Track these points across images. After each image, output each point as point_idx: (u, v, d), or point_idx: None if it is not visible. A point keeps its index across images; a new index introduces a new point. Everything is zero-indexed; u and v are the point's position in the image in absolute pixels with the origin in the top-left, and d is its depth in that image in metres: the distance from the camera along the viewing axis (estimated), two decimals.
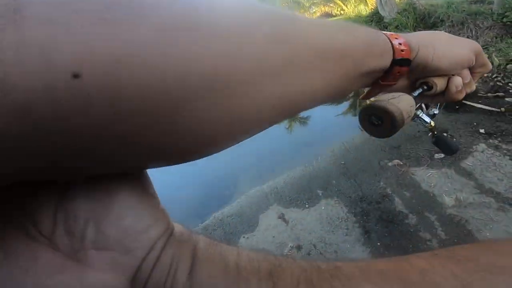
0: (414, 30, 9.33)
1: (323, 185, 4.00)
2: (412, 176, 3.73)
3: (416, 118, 0.76)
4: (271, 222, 3.58)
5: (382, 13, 11.49)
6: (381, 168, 4.04)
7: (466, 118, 4.74)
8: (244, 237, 3.47)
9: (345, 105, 7.30)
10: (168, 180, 5.69)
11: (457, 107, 5.27)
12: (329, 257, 2.95)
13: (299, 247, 3.15)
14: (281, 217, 3.62)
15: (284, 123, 7.37)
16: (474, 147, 3.93)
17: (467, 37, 7.05)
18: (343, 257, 2.93)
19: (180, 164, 0.37)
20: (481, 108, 4.95)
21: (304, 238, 3.24)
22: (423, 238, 2.83)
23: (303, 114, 7.57)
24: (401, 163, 4.02)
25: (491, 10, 7.53)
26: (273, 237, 3.35)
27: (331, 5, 21.19)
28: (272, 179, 4.45)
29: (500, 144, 3.86)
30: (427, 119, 0.82)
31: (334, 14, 21.90)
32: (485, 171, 3.44)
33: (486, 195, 3.10)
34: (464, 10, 8.15)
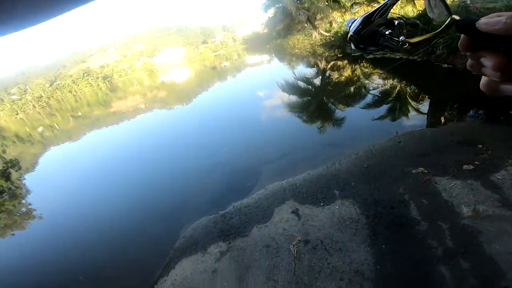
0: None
1: (342, 186, 3.90)
2: (435, 184, 3.47)
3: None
4: (285, 215, 3.59)
5: (430, 15, 10.61)
6: (403, 174, 3.81)
7: (508, 130, 4.27)
8: (257, 227, 3.54)
9: (384, 108, 6.98)
10: (197, 167, 5.98)
11: (501, 118, 4.76)
12: (333, 254, 2.86)
13: (306, 242, 3.11)
14: (295, 212, 3.61)
15: (317, 123, 7.25)
16: (510, 161, 3.52)
17: None
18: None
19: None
20: None
21: (313, 234, 3.20)
22: (430, 245, 2.65)
23: (339, 114, 7.39)
24: (426, 171, 3.76)
25: None
26: (284, 229, 3.36)
27: (374, 5, 20.08)
28: (293, 175, 4.46)
29: None
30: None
31: None
32: None
33: (508, 208, 2.77)
34: None
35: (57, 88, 63.81)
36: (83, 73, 69.91)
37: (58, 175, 8.75)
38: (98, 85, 67.71)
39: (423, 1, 12.45)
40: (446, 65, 8.93)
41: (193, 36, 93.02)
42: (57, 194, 6.50)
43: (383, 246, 2.80)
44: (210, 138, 8.16)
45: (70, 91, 63.81)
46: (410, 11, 16.28)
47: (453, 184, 3.39)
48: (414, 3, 17.48)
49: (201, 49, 79.63)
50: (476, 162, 3.66)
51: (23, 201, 6.67)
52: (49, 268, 4.11)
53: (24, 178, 9.33)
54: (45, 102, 57.59)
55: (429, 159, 4.02)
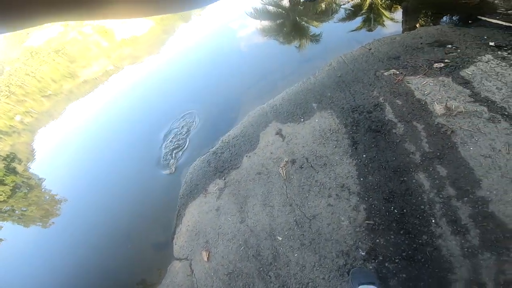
0: None
1: (318, 98, 3.66)
2: (407, 84, 3.27)
3: None
4: (270, 138, 3.43)
5: None
6: (376, 78, 3.56)
7: (477, 31, 3.86)
8: (247, 156, 3.40)
9: (357, 21, 6.30)
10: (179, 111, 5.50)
11: (469, 21, 4.34)
12: (319, 170, 2.84)
13: (293, 161, 3.04)
14: (279, 133, 3.44)
15: (293, 43, 6.60)
16: (478, 57, 3.25)
17: None
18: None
19: None
20: (497, 23, 4.02)
21: (298, 152, 3.10)
22: (407, 150, 2.58)
23: (312, 31, 6.70)
24: (398, 72, 3.51)
25: None
26: (271, 153, 3.24)
27: None
28: (272, 97, 4.13)
29: (509, 56, 3.15)
30: None
31: None
32: (485, 80, 2.90)
33: (480, 103, 2.66)
34: None
35: (11, 75, 54.93)
36: (31, 53, 59.70)
37: (59, 154, 8.10)
38: (54, 60, 58.62)
39: None
40: None
41: None
42: (68, 172, 6.04)
43: (364, 156, 2.74)
44: (188, 80, 7.48)
45: (27, 74, 55.23)
46: None
47: (425, 82, 3.19)
48: None
49: None
50: (447, 60, 3.37)
51: (42, 190, 6.19)
52: (99, 239, 3.96)
53: (30, 168, 8.63)
54: (6, 91, 50.13)
55: (400, 61, 3.68)
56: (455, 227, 2.02)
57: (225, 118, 4.44)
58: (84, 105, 12.73)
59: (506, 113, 2.49)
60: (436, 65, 3.37)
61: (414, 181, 2.35)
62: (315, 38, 6.19)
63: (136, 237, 3.53)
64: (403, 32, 4.97)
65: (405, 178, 2.40)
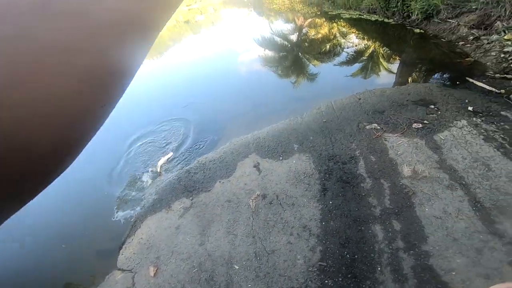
0: (443, 2, 7.79)
1: (301, 140, 3.88)
2: (384, 141, 3.51)
3: None
4: (247, 169, 3.59)
5: None
6: (358, 130, 3.82)
7: (461, 93, 4.25)
8: (220, 182, 3.53)
9: (355, 67, 6.77)
10: (165, 119, 5.64)
11: (457, 82, 4.74)
12: (286, 208, 2.97)
13: (264, 196, 3.17)
14: (256, 166, 3.61)
15: (291, 78, 6.99)
16: (455, 122, 3.58)
17: (499, 16, 5.74)
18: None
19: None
20: (481, 86, 4.41)
21: (270, 188, 3.25)
22: (370, 203, 2.76)
23: (311, 70, 7.11)
24: (379, 127, 3.77)
25: None
26: (245, 184, 3.39)
27: None
28: (258, 129, 4.36)
29: (481, 123, 3.47)
30: None
31: None
32: (454, 147, 3.16)
33: (443, 171, 2.89)
34: None
35: None
36: None
37: None
38: None
39: None
40: (418, 30, 8.59)
41: None
42: None
43: (330, 202, 2.90)
44: (179, 91, 7.73)
45: None
46: None
47: (400, 142, 3.44)
48: None
49: None
50: (426, 121, 3.68)
51: None
52: (36, 235, 3.90)
53: None
54: None
55: (384, 116, 3.99)
56: (396, 275, 2.17)
57: (207, 139, 4.60)
58: None
59: (464, 182, 2.73)
60: (415, 125, 3.64)
61: (370, 231, 2.50)
62: (312, 77, 6.56)
63: (79, 239, 3.48)
64: (395, 84, 5.35)
65: (362, 228, 2.55)
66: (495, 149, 3.03)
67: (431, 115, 3.80)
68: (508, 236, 2.22)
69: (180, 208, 3.33)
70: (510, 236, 2.22)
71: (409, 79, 5.54)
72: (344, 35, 10.52)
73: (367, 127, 3.84)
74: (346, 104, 4.46)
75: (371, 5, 11.97)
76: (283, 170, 3.44)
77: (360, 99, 4.53)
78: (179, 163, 4.20)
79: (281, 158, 3.64)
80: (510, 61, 5.12)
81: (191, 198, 3.42)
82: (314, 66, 7.48)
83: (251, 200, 3.15)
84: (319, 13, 16.03)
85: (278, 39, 11.73)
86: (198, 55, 12.73)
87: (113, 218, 3.58)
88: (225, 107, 5.69)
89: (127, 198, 3.82)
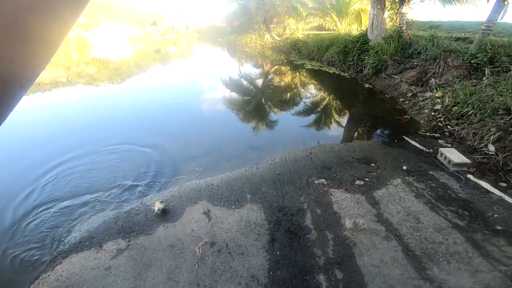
0: (391, 58, 9.44)
1: (254, 190, 4.07)
2: (330, 196, 3.84)
3: None
4: (195, 216, 3.62)
5: (369, 35, 11.61)
6: (307, 184, 4.13)
7: (397, 153, 4.94)
8: (164, 225, 3.49)
9: (310, 118, 7.43)
10: (110, 152, 5.52)
11: (395, 141, 5.46)
12: (235, 257, 3.00)
13: (212, 244, 3.19)
14: (207, 213, 3.66)
15: (250, 123, 7.41)
16: (391, 180, 4.13)
17: (434, 73, 6.98)
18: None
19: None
20: (414, 145, 5.16)
21: (220, 236, 3.29)
22: (315, 254, 2.94)
23: (272, 117, 7.63)
24: (325, 182, 4.13)
25: (467, 49, 7.63)
26: (192, 230, 3.39)
27: (327, 18, 21.04)
28: (212, 175, 4.49)
29: (413, 182, 4.09)
30: None
31: (326, 28, 21.85)
32: (390, 203, 3.62)
33: (381, 223, 3.26)
34: (443, 46, 8.24)
35: None
36: None
37: None
38: None
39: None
40: (368, 85, 9.97)
41: (144, 16, 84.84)
42: None
43: (278, 253, 3.02)
44: (130, 120, 7.72)
45: None
46: (355, 29, 17.37)
47: (344, 197, 3.81)
48: (361, 22, 18.62)
49: (148, 30, 72.44)
50: (366, 179, 4.17)
51: None
52: None
53: None
54: None
55: (331, 172, 4.43)
56: None
57: (154, 180, 4.57)
58: None
59: (398, 233, 3.13)
60: (357, 182, 4.07)
61: (314, 280, 2.64)
62: (271, 125, 7.09)
63: None
64: (343, 139, 5.97)
65: (307, 277, 2.68)
66: (423, 204, 3.60)
67: (371, 173, 4.31)
68: (437, 281, 2.55)
69: (114, 249, 3.17)
70: (439, 280, 2.54)
71: (355, 135, 6.25)
72: (304, 85, 11.71)
73: (316, 181, 4.19)
74: (298, 158, 4.85)
75: (331, 57, 13.73)
76: (235, 219, 3.53)
77: (311, 153, 4.97)
78: (118, 202, 4.07)
79: (233, 207, 3.75)
80: (439, 120, 6.04)
81: (128, 239, 3.29)
82: (274, 114, 8.12)
83: (197, 247, 3.14)
84: (285, 61, 17.64)
85: (244, 82, 12.55)
86: (160, 87, 12.95)
87: (30, 248, 3.32)
88: (179, 146, 5.79)
89: (50, 231, 3.58)
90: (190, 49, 36.00)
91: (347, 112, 8.06)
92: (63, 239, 3.43)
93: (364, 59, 11.00)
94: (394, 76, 9.17)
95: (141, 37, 67.31)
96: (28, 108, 10.21)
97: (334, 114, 7.84)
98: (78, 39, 66.86)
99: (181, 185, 4.30)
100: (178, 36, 62.64)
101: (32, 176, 4.78)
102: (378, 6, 10.98)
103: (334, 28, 20.04)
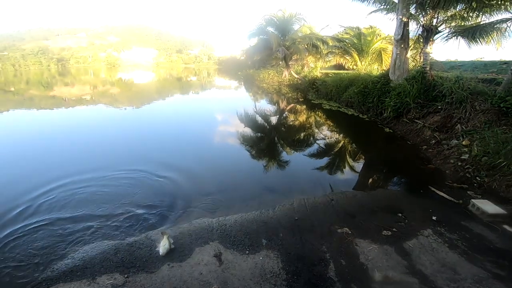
0: (414, 101, 9.08)
1: (270, 236, 3.79)
2: (355, 246, 3.52)
3: None
4: (205, 258, 3.35)
5: (391, 76, 11.38)
6: (329, 232, 3.84)
7: (424, 203, 4.66)
8: (169, 264, 3.22)
9: (325, 161, 7.26)
10: (119, 179, 5.45)
11: (421, 190, 5.15)
12: None
13: None
14: (218, 256, 3.39)
15: (263, 161, 7.28)
16: (421, 231, 3.81)
17: (460, 118, 6.80)
18: None
19: None
20: (442, 196, 4.85)
21: (231, 284, 2.99)
22: None
23: (284, 157, 7.49)
24: (349, 231, 3.82)
25: (495, 92, 7.28)
26: (201, 273, 3.10)
27: (347, 57, 21.43)
28: (225, 215, 4.26)
29: (445, 232, 3.79)
30: None
31: (346, 67, 22.18)
32: (422, 254, 3.32)
33: (413, 275, 2.93)
34: (469, 88, 7.81)
35: None
36: (38, 51, 66.25)
37: None
38: (49, 65, 63.96)
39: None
40: (388, 129, 9.67)
41: (171, 43, 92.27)
42: None
43: None
44: (145, 147, 7.80)
45: (13, 65, 59.40)
46: (375, 68, 17.52)
47: (371, 247, 3.47)
48: (382, 62, 18.61)
49: (174, 57, 78.33)
50: (394, 229, 3.85)
51: None
52: None
53: None
54: None
55: (355, 220, 4.13)
56: None
57: (162, 212, 4.37)
58: (27, 116, 12.99)
59: (433, 286, 2.82)
60: (384, 232, 3.78)
61: None
62: (286, 165, 6.86)
63: None
64: (365, 187, 5.66)
65: None
66: (459, 255, 3.33)
67: (399, 223, 4.00)
68: None
69: (108, 284, 2.90)
70: None
71: (378, 182, 5.93)
72: (320, 126, 11.43)
73: (339, 230, 3.89)
74: (319, 204, 4.60)
75: (350, 98, 13.34)
76: (248, 266, 3.24)
77: (332, 200, 4.71)
78: (122, 231, 3.86)
79: (247, 251, 3.47)
80: (466, 171, 5.65)
81: (126, 275, 3.03)
82: (289, 154, 7.95)
83: None
84: (302, 99, 17.69)
85: (259, 119, 12.68)
86: (178, 116, 13.40)
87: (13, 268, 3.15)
88: (192, 179, 5.62)
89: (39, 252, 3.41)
90: (210, 80, 37.69)
91: (367, 157, 7.76)
92: (53, 263, 3.22)
93: (385, 101, 10.57)
94: (417, 121, 8.75)
95: (165, 63, 72.01)
96: (49, 121, 11.65)
97: (353, 159, 7.59)
98: (109, 59, 72.11)
99: (191, 221, 4.08)
100: (200, 66, 66.38)
101: (35, 188, 4.90)
102: (402, 45, 10.87)
103: (354, 67, 20.25)
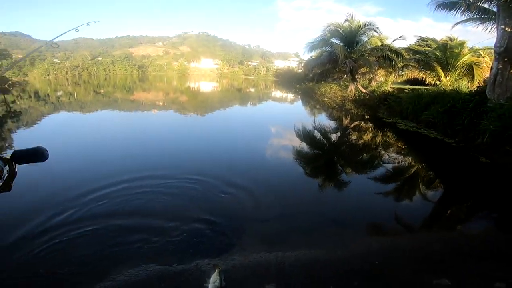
0: None
1: (341, 284, 2.93)
2: None
3: None
4: None
5: (489, 94, 9.68)
6: (421, 285, 2.88)
7: None
8: None
9: (390, 186, 6.34)
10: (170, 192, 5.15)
11: None
12: None
13: None
14: None
15: (321, 181, 6.51)
16: None
17: None
18: None
19: None
20: None
21: None
22: None
23: (344, 178, 6.67)
24: (449, 283, 2.82)
25: None
26: None
27: (428, 72, 19.15)
28: (283, 249, 3.48)
29: None
30: None
31: (426, 82, 19.56)
32: None
33: None
34: None
35: (95, 63, 69.50)
36: (124, 57, 78.65)
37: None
38: (132, 71, 75.02)
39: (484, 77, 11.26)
40: (484, 159, 7.79)
41: (233, 53, 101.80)
42: None
43: None
44: (204, 159, 7.58)
45: (105, 69, 69.94)
46: (465, 85, 15.03)
47: None
48: (473, 77, 16.37)
49: (235, 68, 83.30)
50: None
51: None
52: None
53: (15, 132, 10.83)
54: (78, 72, 62.39)
55: (452, 269, 3.12)
56: None
57: (217, 235, 3.83)
58: (112, 117, 16.36)
59: None
60: (497, 284, 2.84)
61: None
62: (342, 187, 6.14)
63: None
64: (461, 226, 4.70)
65: None
66: None
67: None
68: None
69: None
70: None
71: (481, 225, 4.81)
72: (396, 151, 9.91)
73: (434, 281, 2.94)
74: (403, 246, 3.75)
75: (432, 117, 11.32)
76: None
77: (421, 241, 3.70)
78: (172, 252, 3.40)
79: None
80: None
81: None
82: (346, 174, 7.19)
83: None
84: (370, 117, 16.14)
85: (318, 135, 11.89)
86: (238, 128, 13.80)
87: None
88: (248, 200, 4.95)
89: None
90: (267, 92, 37.87)
91: (461, 196, 6.26)
92: (93, 283, 2.86)
93: (481, 123, 8.59)
94: None
95: (228, 74, 76.70)
96: (124, 122, 14.31)
97: (421, 185, 6.47)
98: (180, 68, 79.96)
99: (246, 255, 3.40)
100: (258, 77, 68.67)
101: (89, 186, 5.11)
102: (506, 59, 9.23)
103: (437, 82, 17.94)
